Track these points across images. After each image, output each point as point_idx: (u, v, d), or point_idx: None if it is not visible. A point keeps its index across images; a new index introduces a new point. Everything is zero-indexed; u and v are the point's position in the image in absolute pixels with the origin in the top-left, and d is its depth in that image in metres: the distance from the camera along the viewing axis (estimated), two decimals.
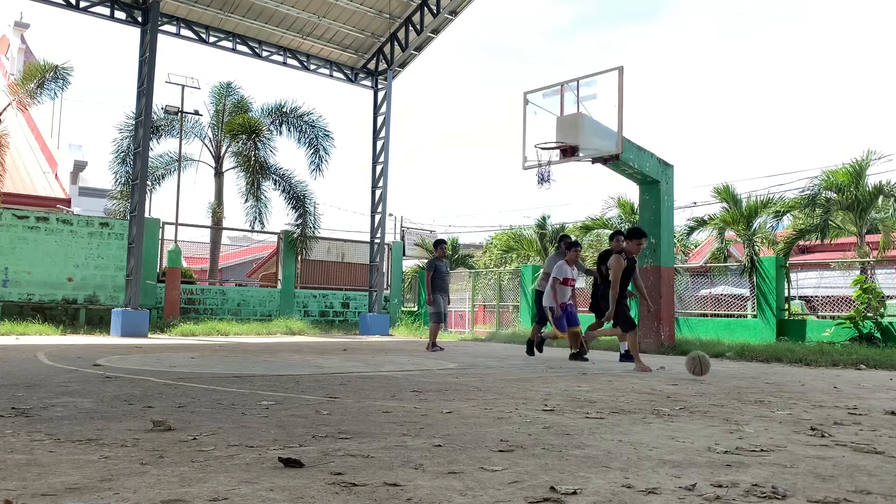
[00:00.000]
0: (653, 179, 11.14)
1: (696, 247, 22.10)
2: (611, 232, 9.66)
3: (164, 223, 17.28)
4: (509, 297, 18.67)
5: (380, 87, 18.22)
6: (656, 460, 2.65)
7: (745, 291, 13.97)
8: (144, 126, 13.78)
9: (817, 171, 26.85)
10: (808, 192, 14.94)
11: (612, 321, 7.56)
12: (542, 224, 20.05)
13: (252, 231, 21.08)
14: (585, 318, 9.32)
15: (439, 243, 11.18)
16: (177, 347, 9.75)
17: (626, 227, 17.16)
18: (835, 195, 14.52)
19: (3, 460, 2.42)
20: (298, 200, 19.17)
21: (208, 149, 20.46)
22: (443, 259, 10.86)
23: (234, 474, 2.28)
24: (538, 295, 9.55)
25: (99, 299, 15.59)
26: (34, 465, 2.35)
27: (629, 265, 7.62)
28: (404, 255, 22.25)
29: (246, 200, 19.34)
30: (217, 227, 20.22)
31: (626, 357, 8.22)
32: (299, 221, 18.94)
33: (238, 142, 19.42)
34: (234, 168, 20.10)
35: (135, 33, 14.17)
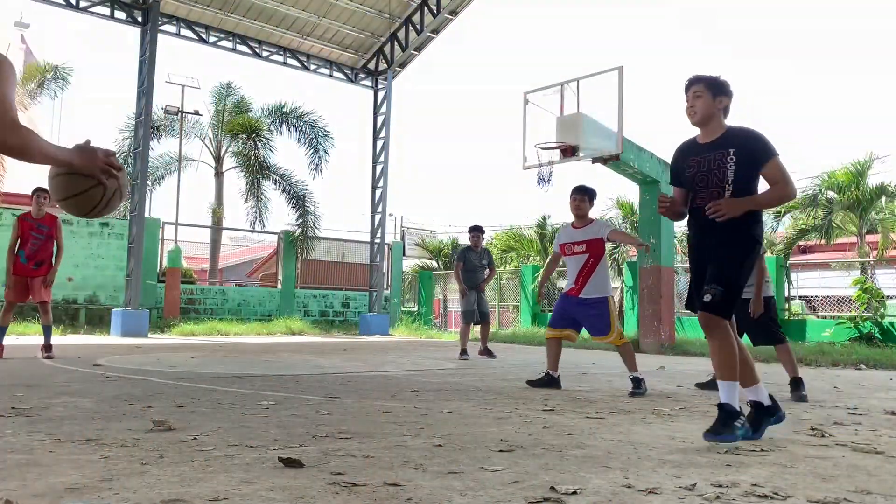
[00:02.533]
0: (653, 179, 11.14)
1: None
2: None
3: (165, 223, 17.27)
4: (509, 297, 18.66)
5: (380, 87, 18.20)
6: (656, 460, 2.65)
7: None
8: (144, 126, 13.78)
9: (818, 171, 26.79)
10: (809, 192, 14.96)
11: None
12: (542, 224, 20.03)
13: (252, 231, 21.05)
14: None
15: (473, 230, 9.45)
16: (177, 347, 9.75)
17: (627, 226, 17.15)
18: (836, 195, 14.53)
19: (3, 460, 2.42)
20: (298, 200, 19.15)
21: (208, 149, 20.45)
22: (477, 248, 9.23)
23: (235, 474, 2.28)
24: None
25: (99, 299, 15.58)
26: (34, 465, 2.35)
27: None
28: (404, 255, 22.23)
29: (246, 200, 19.34)
30: (217, 227, 20.20)
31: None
32: (299, 221, 18.91)
33: (238, 142, 19.40)
34: (234, 168, 20.08)
35: (135, 33, 14.18)
